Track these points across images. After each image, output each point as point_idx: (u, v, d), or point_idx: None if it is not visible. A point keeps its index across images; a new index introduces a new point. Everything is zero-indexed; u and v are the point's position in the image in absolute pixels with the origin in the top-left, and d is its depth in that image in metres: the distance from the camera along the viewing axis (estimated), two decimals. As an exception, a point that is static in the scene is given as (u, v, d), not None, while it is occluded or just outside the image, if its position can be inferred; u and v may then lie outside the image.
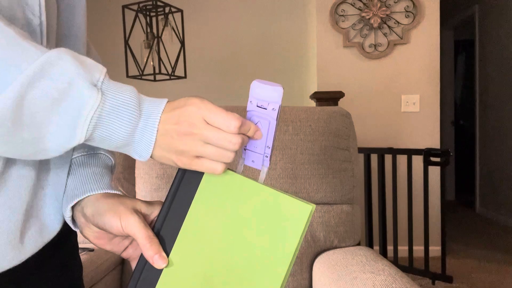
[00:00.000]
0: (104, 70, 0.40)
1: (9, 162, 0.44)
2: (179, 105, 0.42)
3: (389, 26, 2.84)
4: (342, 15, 2.87)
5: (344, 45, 2.88)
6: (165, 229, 0.49)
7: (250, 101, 0.46)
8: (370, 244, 2.47)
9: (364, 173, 2.46)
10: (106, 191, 0.51)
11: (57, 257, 0.56)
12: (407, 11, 2.82)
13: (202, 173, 0.49)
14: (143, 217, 0.49)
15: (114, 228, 0.47)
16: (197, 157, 0.44)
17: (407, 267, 2.40)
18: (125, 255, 0.52)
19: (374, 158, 2.50)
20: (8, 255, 0.44)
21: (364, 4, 2.84)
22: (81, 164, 0.54)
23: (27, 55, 0.35)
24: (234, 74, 3.38)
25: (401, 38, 2.83)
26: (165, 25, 3.20)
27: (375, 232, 2.64)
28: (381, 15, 2.82)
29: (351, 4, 2.86)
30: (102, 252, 1.22)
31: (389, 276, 0.83)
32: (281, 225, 0.45)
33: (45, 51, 0.36)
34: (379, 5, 2.82)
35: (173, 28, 3.27)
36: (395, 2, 2.82)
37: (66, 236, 0.59)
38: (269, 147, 0.46)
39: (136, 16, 3.03)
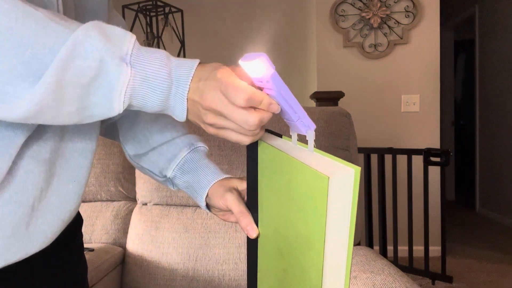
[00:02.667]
0: (133, 39, 0.40)
1: (16, 158, 0.44)
2: (204, 76, 0.42)
3: (389, 26, 2.84)
4: (342, 15, 2.87)
5: (344, 45, 2.88)
6: (250, 203, 0.55)
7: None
8: (370, 244, 2.47)
9: (364, 173, 2.46)
10: (219, 179, 0.61)
11: (63, 256, 0.57)
12: (407, 11, 2.82)
13: (257, 150, 0.51)
14: (240, 192, 0.58)
15: (222, 207, 0.58)
16: (224, 128, 0.44)
17: (407, 267, 2.40)
18: None
19: (374, 158, 2.50)
20: (13, 248, 0.45)
21: (364, 4, 2.84)
22: (192, 161, 0.64)
23: (57, 36, 0.36)
24: (234, 74, 3.38)
25: (401, 38, 2.83)
26: (165, 25, 3.20)
27: (375, 232, 2.63)
28: (381, 15, 2.82)
29: (351, 4, 2.86)
30: (102, 252, 1.22)
31: (388, 276, 0.83)
32: (308, 197, 0.41)
33: (74, 29, 0.37)
34: (379, 5, 2.82)
35: (173, 28, 3.26)
36: (395, 2, 2.82)
37: (72, 236, 0.60)
38: (297, 113, 0.44)
39: (136, 16, 3.03)
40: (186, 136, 0.66)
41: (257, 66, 0.41)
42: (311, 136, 0.45)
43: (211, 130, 0.45)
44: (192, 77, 0.42)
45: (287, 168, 0.45)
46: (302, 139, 0.47)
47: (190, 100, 0.42)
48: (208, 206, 0.62)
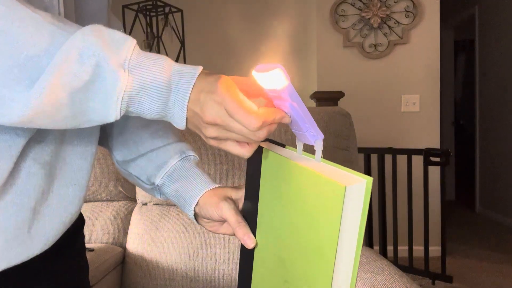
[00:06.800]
0: (133, 44, 0.39)
1: (19, 160, 0.44)
2: (206, 87, 0.40)
3: (389, 26, 2.84)
4: (342, 15, 2.87)
5: (344, 45, 2.88)
6: (248, 212, 0.53)
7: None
8: (370, 244, 2.47)
9: (364, 173, 2.46)
10: (209, 189, 0.58)
11: (65, 257, 0.57)
12: (407, 11, 2.82)
13: (260, 159, 0.49)
14: (235, 202, 0.56)
15: (214, 216, 0.55)
16: (225, 140, 0.43)
17: (407, 267, 2.40)
18: None
19: (374, 158, 2.50)
20: (15, 250, 0.45)
21: (364, 4, 2.84)
22: (182, 169, 0.61)
23: (54, 39, 0.35)
24: (234, 74, 3.38)
25: (401, 38, 2.83)
26: (165, 25, 3.20)
27: (375, 232, 2.63)
28: (381, 15, 2.82)
29: (351, 4, 2.86)
30: (102, 252, 1.22)
31: (388, 276, 0.83)
32: (320, 206, 0.40)
33: (71, 32, 0.36)
34: (379, 5, 2.82)
35: (173, 28, 3.26)
36: (395, 2, 2.82)
37: (74, 237, 0.60)
38: (307, 124, 0.43)
39: (136, 16, 3.03)
40: (177, 144, 0.64)
41: (273, 77, 0.39)
42: (319, 146, 0.44)
43: (212, 143, 0.43)
44: (193, 86, 0.40)
45: (296, 177, 0.44)
46: (306, 148, 0.47)
47: (190, 111, 0.41)
48: (195, 216, 0.59)
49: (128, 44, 0.38)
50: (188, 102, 0.40)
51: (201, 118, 0.40)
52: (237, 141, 0.43)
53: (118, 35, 0.38)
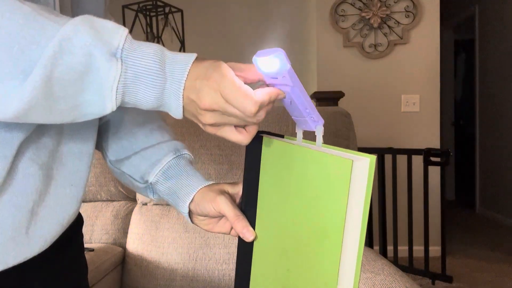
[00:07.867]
0: (125, 33, 0.38)
1: (16, 160, 0.44)
2: (201, 74, 0.40)
3: (389, 26, 2.83)
4: (342, 15, 2.87)
5: (344, 45, 2.88)
6: (247, 205, 0.53)
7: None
8: (370, 244, 2.47)
9: (364, 173, 2.46)
10: (205, 185, 0.58)
11: (64, 257, 0.57)
12: (407, 11, 2.82)
13: (260, 149, 0.49)
14: (232, 197, 0.56)
15: (211, 212, 0.54)
16: (222, 125, 0.43)
17: (407, 267, 2.40)
18: (233, 233, 0.57)
19: (374, 158, 2.50)
20: (12, 251, 0.45)
21: (364, 4, 2.84)
22: (177, 166, 0.61)
23: (44, 31, 0.35)
24: (234, 74, 3.38)
25: (401, 38, 2.83)
26: (165, 25, 3.20)
27: (375, 232, 2.63)
28: (381, 15, 2.82)
29: (351, 4, 2.86)
30: (102, 252, 1.22)
31: (388, 276, 0.83)
32: (326, 186, 0.40)
33: (62, 24, 0.36)
34: (379, 5, 2.82)
35: (173, 28, 3.26)
36: (395, 2, 2.82)
37: (72, 237, 0.60)
38: (308, 109, 0.43)
39: (136, 16, 3.03)
40: (172, 142, 0.63)
41: (274, 61, 0.39)
42: (320, 131, 0.44)
43: (209, 130, 0.43)
44: (188, 73, 0.39)
45: (299, 160, 0.44)
46: (305, 137, 0.47)
47: (186, 98, 0.40)
48: (189, 215, 0.58)
49: (120, 33, 0.38)
50: (183, 90, 0.40)
51: (198, 105, 0.40)
52: (235, 127, 0.43)
53: (110, 24, 0.38)
